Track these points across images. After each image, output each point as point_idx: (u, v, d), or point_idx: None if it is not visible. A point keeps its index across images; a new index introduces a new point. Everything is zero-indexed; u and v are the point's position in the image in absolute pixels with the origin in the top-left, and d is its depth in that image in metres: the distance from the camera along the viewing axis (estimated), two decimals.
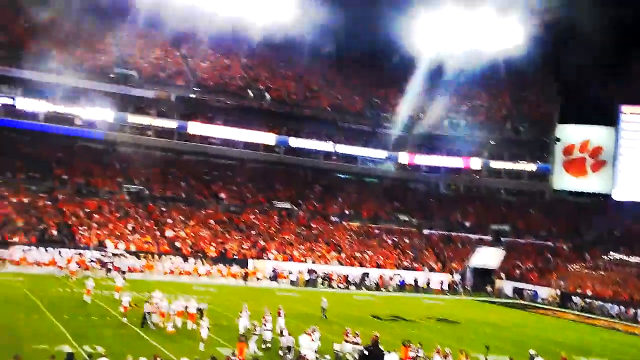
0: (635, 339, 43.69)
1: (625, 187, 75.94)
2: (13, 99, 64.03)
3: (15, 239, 49.68)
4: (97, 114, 67.51)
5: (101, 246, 51.96)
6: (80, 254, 48.95)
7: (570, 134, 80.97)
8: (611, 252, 66.89)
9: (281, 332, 27.25)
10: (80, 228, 53.96)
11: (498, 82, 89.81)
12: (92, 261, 48.18)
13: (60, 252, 48.70)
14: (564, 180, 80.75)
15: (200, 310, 30.54)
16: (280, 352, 26.11)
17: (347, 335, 26.54)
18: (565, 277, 62.69)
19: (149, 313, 29.76)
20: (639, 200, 71.88)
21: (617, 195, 76.47)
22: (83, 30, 75.39)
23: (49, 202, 57.20)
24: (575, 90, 78.55)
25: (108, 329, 29.00)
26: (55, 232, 52.35)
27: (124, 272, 46.45)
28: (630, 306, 54.07)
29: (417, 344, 26.00)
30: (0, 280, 40.13)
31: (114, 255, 50.09)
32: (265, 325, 27.95)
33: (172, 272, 50.55)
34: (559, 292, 59.75)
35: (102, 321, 30.53)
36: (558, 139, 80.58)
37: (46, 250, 48.48)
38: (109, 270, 47.34)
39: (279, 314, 30.57)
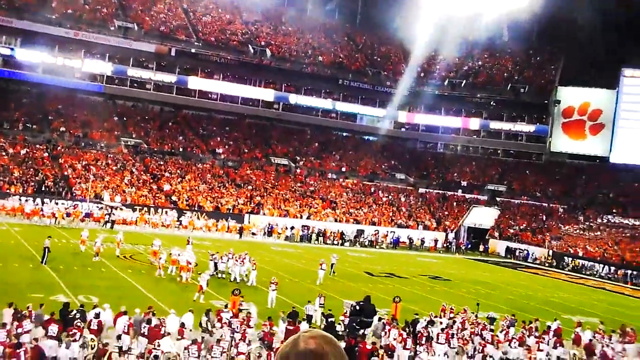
0: (623, 299, 44.37)
1: (623, 151, 76.04)
2: (12, 49, 63.85)
3: (12, 190, 49.94)
4: (97, 67, 67.41)
5: (98, 198, 52.32)
6: (75, 205, 49.27)
7: (570, 96, 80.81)
8: (605, 214, 67.42)
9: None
10: (77, 180, 54.24)
11: (499, 44, 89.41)
12: (87, 214, 48.56)
13: (57, 203, 48.98)
14: (562, 143, 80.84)
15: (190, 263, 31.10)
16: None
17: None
18: (558, 238, 63.29)
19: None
20: (636, 163, 71.93)
21: (615, 158, 76.58)
22: None
23: (46, 154, 57.41)
24: (577, 53, 78.20)
25: (103, 279, 29.49)
26: (52, 184, 52.63)
27: (113, 223, 47.32)
28: (620, 267, 54.74)
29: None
30: None
31: (110, 207, 50.40)
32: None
33: (167, 225, 50.91)
34: (551, 253, 60.36)
35: (98, 272, 30.98)
36: (558, 101, 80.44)
37: (43, 202, 48.74)
38: (106, 222, 47.78)
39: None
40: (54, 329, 18.25)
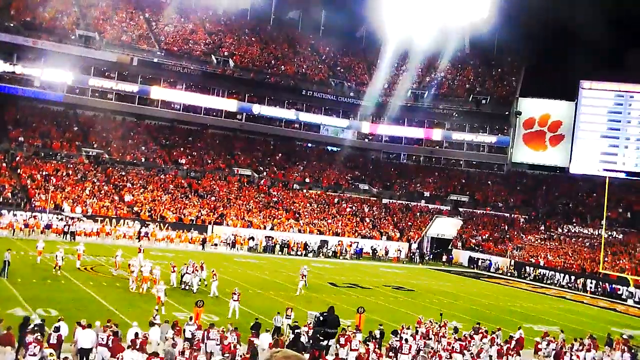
0: (583, 307, 44.92)
1: (581, 161, 77.24)
2: None
3: None
4: (57, 76, 66.44)
5: (58, 209, 51.48)
6: (35, 216, 48.40)
7: (531, 107, 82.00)
8: (565, 224, 68.41)
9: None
10: (36, 191, 53.33)
11: (461, 56, 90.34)
12: (48, 225, 47.71)
13: (15, 215, 48.04)
14: (523, 153, 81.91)
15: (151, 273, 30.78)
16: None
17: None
18: (520, 248, 63.99)
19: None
20: (594, 174, 73.04)
21: (574, 169, 77.75)
22: None
23: (4, 164, 56.34)
24: (538, 65, 79.38)
25: (63, 292, 28.93)
26: (10, 195, 51.63)
27: (73, 235, 46.71)
28: (580, 277, 55.47)
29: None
30: None
31: (71, 218, 49.61)
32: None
33: (129, 236, 50.26)
34: (512, 262, 60.98)
35: (57, 284, 30.42)
36: (519, 113, 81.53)
37: (0, 213, 47.74)
38: (65, 234, 47.01)
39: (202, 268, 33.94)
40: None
